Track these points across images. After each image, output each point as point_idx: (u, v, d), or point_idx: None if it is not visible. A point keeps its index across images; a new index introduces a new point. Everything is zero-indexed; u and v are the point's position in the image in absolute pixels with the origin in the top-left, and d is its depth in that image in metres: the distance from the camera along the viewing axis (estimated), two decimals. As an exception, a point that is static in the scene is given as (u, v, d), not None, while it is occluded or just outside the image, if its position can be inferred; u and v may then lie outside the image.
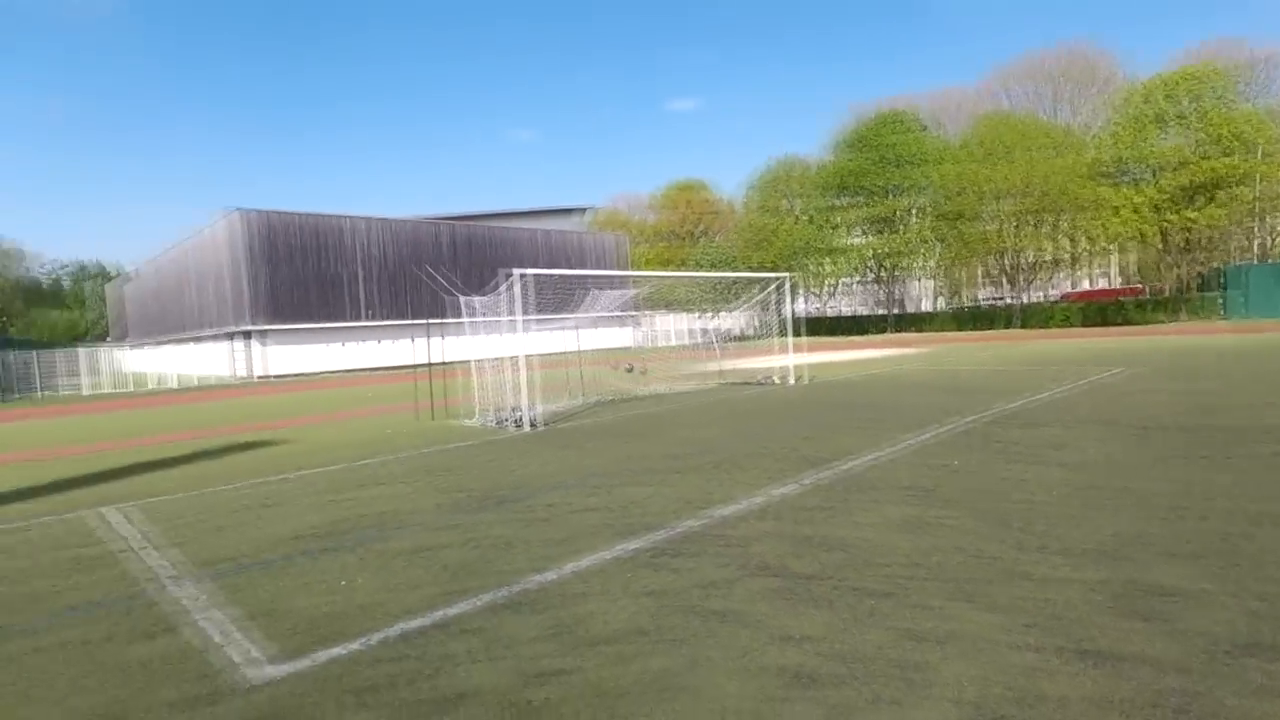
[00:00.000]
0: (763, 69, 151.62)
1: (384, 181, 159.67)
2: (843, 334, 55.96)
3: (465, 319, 14.15)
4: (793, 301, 19.82)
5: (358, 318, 40.22)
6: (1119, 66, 61.68)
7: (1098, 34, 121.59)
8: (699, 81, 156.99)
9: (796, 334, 19.20)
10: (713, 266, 53.76)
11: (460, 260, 43.66)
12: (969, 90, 69.86)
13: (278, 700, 3.34)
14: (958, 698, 3.03)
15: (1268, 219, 44.63)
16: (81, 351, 37.60)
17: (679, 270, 55.70)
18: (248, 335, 37.57)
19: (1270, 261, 43.24)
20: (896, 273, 55.40)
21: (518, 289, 11.93)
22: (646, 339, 50.23)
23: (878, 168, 51.18)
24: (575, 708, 3.16)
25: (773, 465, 7.99)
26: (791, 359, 18.03)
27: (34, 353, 37.08)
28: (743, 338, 24.06)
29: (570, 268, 47.81)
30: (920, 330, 52.99)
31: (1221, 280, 42.48)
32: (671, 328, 48.78)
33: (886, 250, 52.78)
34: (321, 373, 37.57)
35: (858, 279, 64.33)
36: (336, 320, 39.37)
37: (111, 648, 4.06)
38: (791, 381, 17.62)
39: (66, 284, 73.56)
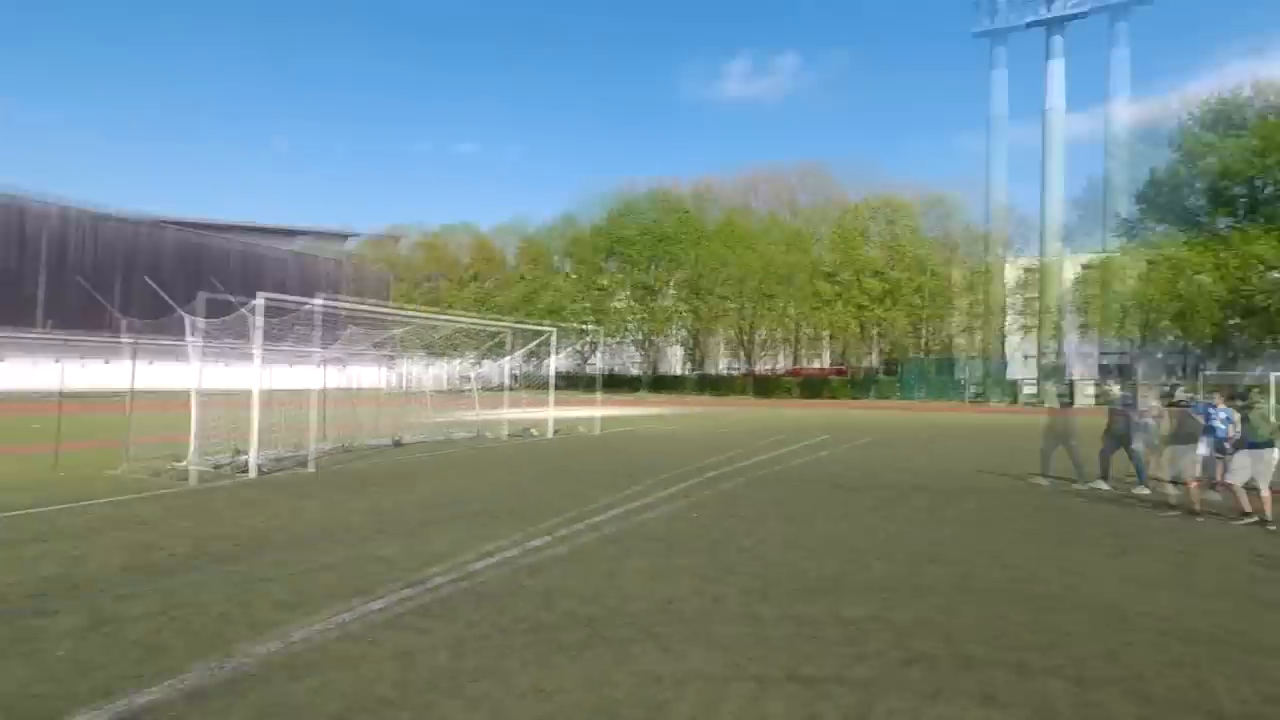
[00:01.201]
0: (542, 120, 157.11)
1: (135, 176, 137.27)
2: (606, 390, 58.04)
3: (188, 341, 12.34)
4: (555, 355, 20.28)
5: (31, 325, 32.98)
6: (841, 186, 73.90)
7: (829, 158, 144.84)
8: (480, 126, 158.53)
9: (573, 388, 19.62)
10: (480, 314, 53.39)
11: (186, 273, 38.20)
12: (727, 181, 78.67)
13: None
14: (691, 728, 3.25)
15: (933, 323, 55.62)
16: None
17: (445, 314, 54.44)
18: None
19: (928, 355, 54.04)
20: (654, 338, 59.28)
21: (260, 314, 10.77)
22: (402, 382, 47.71)
23: (644, 239, 55.01)
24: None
25: (528, 517, 8.00)
26: (551, 412, 18.30)
27: None
28: (503, 388, 23.90)
29: (323, 295, 44.06)
30: (671, 392, 56.96)
31: (899, 368, 51.92)
32: (430, 372, 46.94)
33: (647, 316, 56.33)
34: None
35: (619, 340, 67.72)
36: None
37: None
38: (550, 434, 17.85)
39: None
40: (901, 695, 3.62)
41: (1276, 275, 45.86)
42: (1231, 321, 46.44)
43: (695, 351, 73.23)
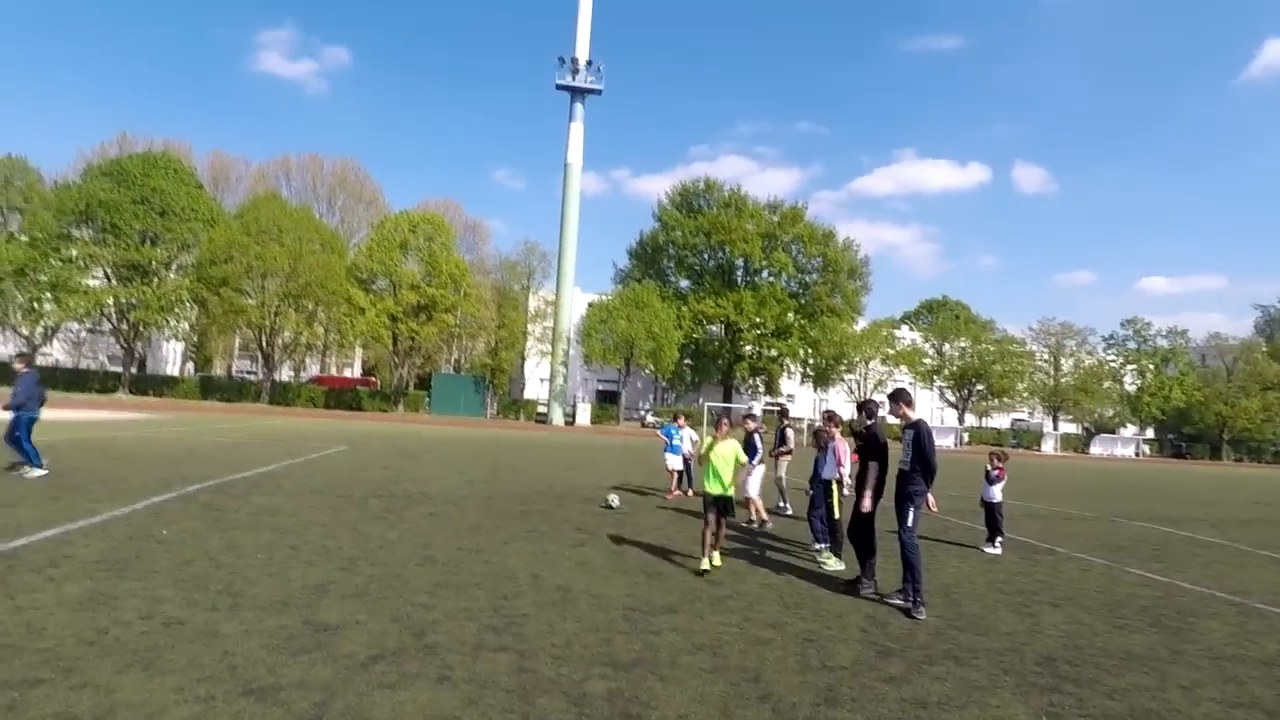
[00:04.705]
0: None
1: None
2: (58, 388, 45.37)
3: None
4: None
5: None
6: (381, 193, 72.57)
7: (369, 159, 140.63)
8: None
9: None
10: None
11: None
12: (252, 166, 69.90)
13: None
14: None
15: (464, 341, 58.59)
16: None
17: None
18: None
19: (456, 373, 57.06)
20: (142, 328, 48.65)
21: None
22: None
23: (137, 208, 44.92)
24: None
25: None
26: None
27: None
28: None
29: None
30: (162, 395, 47.64)
31: (429, 383, 53.39)
32: None
33: (135, 301, 45.88)
34: None
35: (88, 327, 53.79)
36: None
37: None
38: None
39: None
40: (361, 689, 3.78)
41: (714, 328, 61.47)
42: (686, 362, 60.36)
43: (201, 351, 62.93)
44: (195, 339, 57.74)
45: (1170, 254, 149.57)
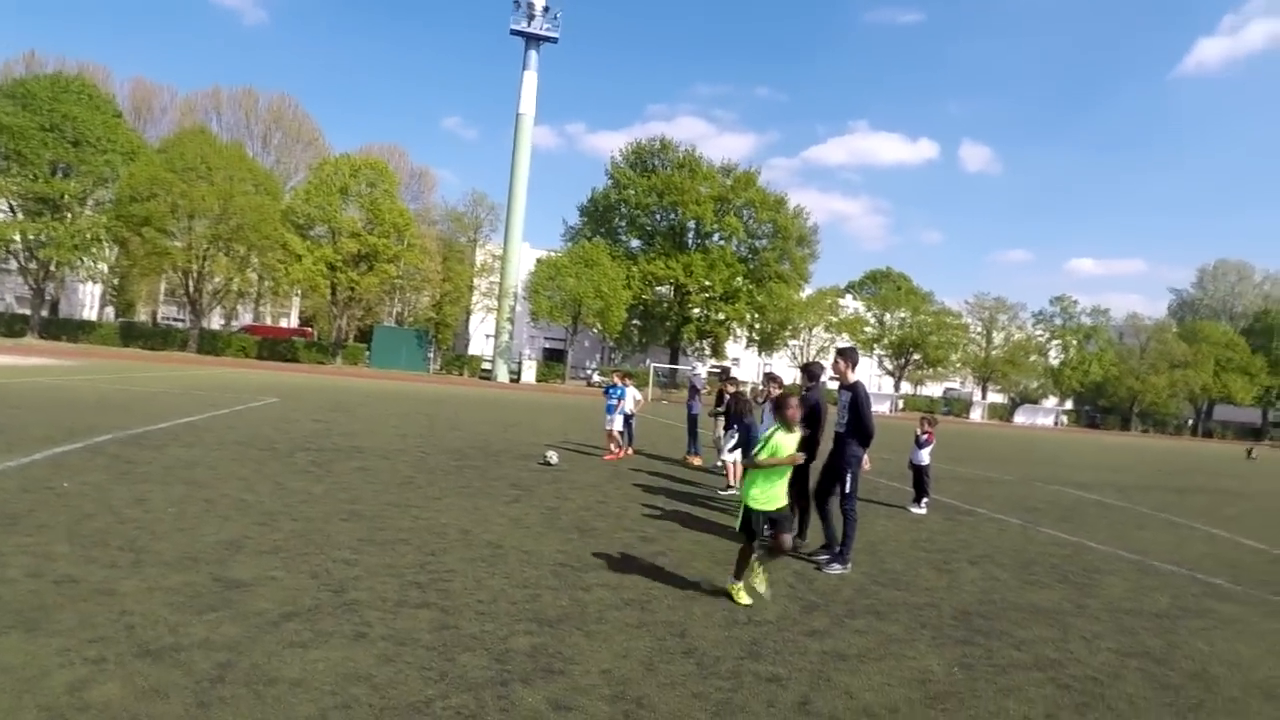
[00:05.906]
0: None
1: None
2: (-45, 332, 42.46)
3: None
4: None
5: None
6: (321, 134, 69.14)
7: (309, 98, 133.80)
8: None
9: None
10: None
11: None
12: (178, 96, 65.55)
13: None
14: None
15: (407, 294, 56.97)
16: None
17: None
18: None
19: (398, 326, 55.61)
20: (54, 268, 45.59)
21: None
22: None
23: (45, 135, 41.62)
24: None
25: None
26: None
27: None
28: None
29: None
30: (78, 340, 45.02)
31: (370, 336, 51.82)
32: None
33: (44, 239, 42.81)
34: None
35: (-8, 265, 50.16)
36: None
37: None
38: None
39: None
40: (270, 648, 3.60)
41: (663, 289, 61.30)
42: (634, 322, 60.18)
43: (121, 294, 59.55)
44: (115, 282, 54.46)
45: (1099, 237, 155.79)
